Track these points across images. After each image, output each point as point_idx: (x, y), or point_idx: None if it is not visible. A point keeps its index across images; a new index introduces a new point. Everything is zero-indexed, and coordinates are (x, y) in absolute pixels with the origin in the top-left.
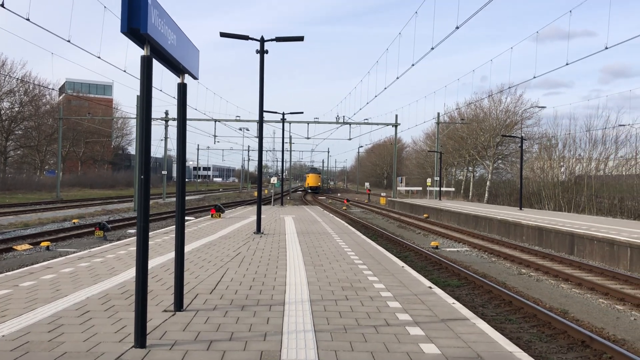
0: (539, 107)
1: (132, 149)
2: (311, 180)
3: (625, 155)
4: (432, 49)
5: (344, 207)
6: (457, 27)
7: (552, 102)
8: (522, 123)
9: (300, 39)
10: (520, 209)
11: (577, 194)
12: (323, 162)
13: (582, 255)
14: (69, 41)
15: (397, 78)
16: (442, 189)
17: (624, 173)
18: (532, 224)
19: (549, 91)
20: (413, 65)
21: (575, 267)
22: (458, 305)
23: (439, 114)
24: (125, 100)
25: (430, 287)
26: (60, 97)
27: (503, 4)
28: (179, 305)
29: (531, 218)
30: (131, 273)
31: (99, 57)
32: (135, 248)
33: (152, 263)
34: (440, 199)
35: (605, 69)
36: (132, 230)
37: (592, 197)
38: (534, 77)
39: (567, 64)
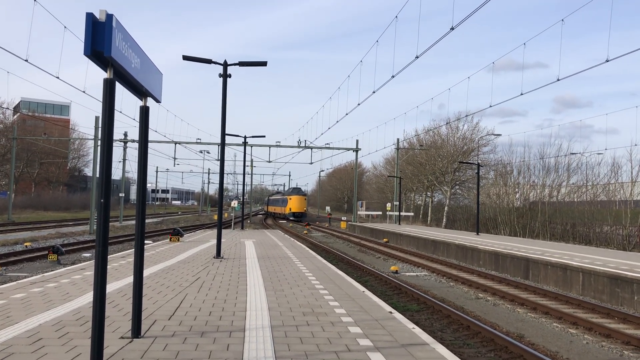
0: (495, 134)
1: (88, 171)
2: (295, 203)
3: (577, 183)
4: (393, 77)
5: (305, 231)
6: (417, 57)
7: (507, 130)
8: (479, 150)
9: (264, 64)
10: (477, 234)
11: (532, 219)
12: (284, 185)
13: (536, 280)
14: (26, 60)
15: (358, 104)
16: (401, 213)
17: (575, 200)
18: (488, 249)
19: (504, 119)
20: (374, 92)
21: (531, 292)
22: (418, 330)
23: (398, 140)
24: (84, 121)
25: (391, 312)
26: (15, 117)
27: (460, 35)
28: (136, 331)
29: (488, 243)
30: (87, 298)
31: (58, 77)
32: (91, 272)
33: (109, 288)
34: (399, 224)
35: (557, 99)
36: (88, 254)
37: (546, 223)
38: (490, 106)
39: (521, 94)
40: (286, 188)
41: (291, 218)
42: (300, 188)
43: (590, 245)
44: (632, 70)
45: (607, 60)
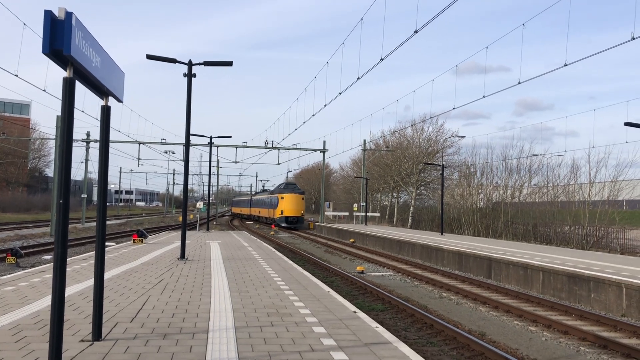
0: (459, 136)
1: (49, 171)
2: (289, 205)
3: (538, 184)
4: (358, 79)
5: (272, 232)
6: (382, 59)
7: (471, 132)
8: (443, 151)
9: (229, 64)
10: (442, 234)
11: (495, 220)
12: (251, 186)
13: (499, 279)
14: None
15: (325, 106)
16: (368, 214)
17: (536, 200)
18: (452, 249)
19: (468, 122)
20: (340, 93)
21: (493, 291)
22: (381, 329)
23: (365, 141)
24: (44, 121)
25: (355, 312)
26: None
27: (424, 38)
28: (97, 334)
29: (452, 243)
30: (46, 302)
31: (17, 75)
32: (51, 275)
33: (69, 291)
34: (366, 224)
35: (519, 102)
36: (48, 257)
37: (508, 223)
38: (454, 108)
39: (484, 97)
40: (254, 189)
41: (283, 225)
42: (295, 184)
43: (551, 244)
44: (590, 74)
45: (566, 65)
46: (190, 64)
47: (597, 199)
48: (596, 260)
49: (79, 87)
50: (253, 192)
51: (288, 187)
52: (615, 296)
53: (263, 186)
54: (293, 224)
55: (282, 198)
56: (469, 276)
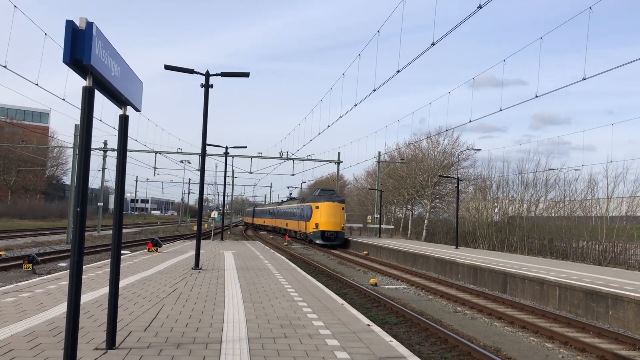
0: (475, 149)
1: (67, 179)
2: (327, 216)
3: (555, 198)
4: (374, 90)
5: (285, 243)
6: (398, 71)
7: (487, 145)
8: (459, 164)
9: (246, 75)
10: (456, 247)
11: (510, 234)
12: (265, 196)
13: (514, 294)
14: (5, 66)
15: (340, 117)
16: (382, 226)
17: (553, 215)
18: (467, 263)
19: (484, 135)
20: (355, 105)
21: (508, 306)
22: (395, 343)
23: (379, 153)
24: (63, 129)
25: (369, 325)
26: None
27: (441, 51)
28: (111, 342)
29: (466, 257)
30: (61, 309)
31: (37, 84)
32: (66, 282)
33: (84, 298)
34: (380, 236)
35: (536, 115)
36: (64, 264)
37: (524, 238)
38: (470, 121)
39: (500, 110)
40: (268, 199)
41: (318, 241)
42: (333, 190)
43: (567, 260)
44: (608, 88)
45: (584, 79)
46: (207, 75)
47: (615, 214)
48: (614, 276)
49: (98, 96)
50: (278, 201)
51: (324, 194)
52: (634, 314)
53: (290, 194)
54: (331, 240)
55: (318, 208)
56: (484, 290)
